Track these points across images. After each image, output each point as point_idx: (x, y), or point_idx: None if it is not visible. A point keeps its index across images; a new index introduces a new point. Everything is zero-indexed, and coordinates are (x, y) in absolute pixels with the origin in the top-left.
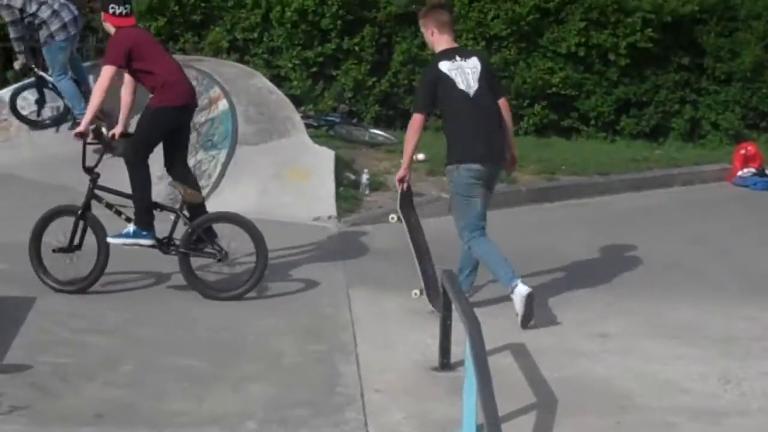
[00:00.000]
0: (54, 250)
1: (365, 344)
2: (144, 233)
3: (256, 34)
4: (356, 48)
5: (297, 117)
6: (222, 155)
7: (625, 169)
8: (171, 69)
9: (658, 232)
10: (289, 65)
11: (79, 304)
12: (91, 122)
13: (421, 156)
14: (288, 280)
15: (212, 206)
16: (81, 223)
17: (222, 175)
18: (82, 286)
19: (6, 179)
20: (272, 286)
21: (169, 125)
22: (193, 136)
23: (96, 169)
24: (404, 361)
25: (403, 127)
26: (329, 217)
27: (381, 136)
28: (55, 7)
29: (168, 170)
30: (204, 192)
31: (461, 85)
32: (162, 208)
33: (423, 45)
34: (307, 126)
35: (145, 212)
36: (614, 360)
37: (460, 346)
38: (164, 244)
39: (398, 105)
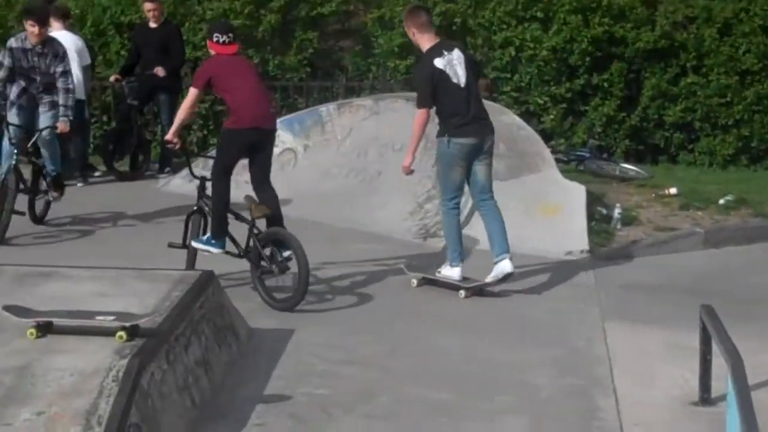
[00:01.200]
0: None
1: (622, 378)
2: (214, 242)
3: (507, 74)
4: (605, 83)
5: (547, 152)
6: None
7: None
8: (244, 95)
9: None
10: (539, 101)
11: (336, 336)
12: (176, 134)
13: (673, 190)
14: (541, 314)
15: (464, 241)
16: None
17: (474, 209)
18: None
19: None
20: (526, 319)
21: (238, 145)
22: None
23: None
24: (662, 395)
25: (654, 161)
26: (582, 252)
27: (632, 171)
28: None
29: (252, 185)
30: None
31: (453, 79)
32: (238, 217)
33: (674, 80)
34: (557, 161)
35: (218, 223)
36: None
37: (720, 381)
38: (244, 253)
39: (648, 139)
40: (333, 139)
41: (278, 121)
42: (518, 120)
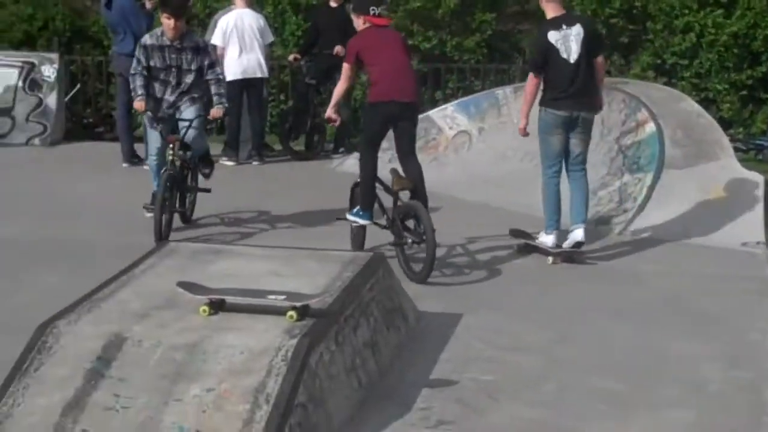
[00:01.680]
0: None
1: None
2: (362, 213)
3: (686, 60)
4: None
5: (726, 141)
6: (648, 178)
7: None
8: (384, 69)
9: None
10: (719, 88)
11: (504, 321)
12: (334, 110)
13: None
14: (712, 305)
15: (637, 227)
16: None
17: (648, 198)
18: None
19: (434, 197)
20: (697, 309)
21: (378, 118)
22: (619, 159)
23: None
24: None
25: None
26: (757, 243)
27: None
28: None
29: (397, 158)
30: (629, 215)
31: (563, 54)
32: (386, 189)
33: None
34: (735, 150)
35: (365, 195)
36: None
37: None
38: (390, 224)
39: None
40: (509, 123)
41: (454, 103)
42: (697, 107)
